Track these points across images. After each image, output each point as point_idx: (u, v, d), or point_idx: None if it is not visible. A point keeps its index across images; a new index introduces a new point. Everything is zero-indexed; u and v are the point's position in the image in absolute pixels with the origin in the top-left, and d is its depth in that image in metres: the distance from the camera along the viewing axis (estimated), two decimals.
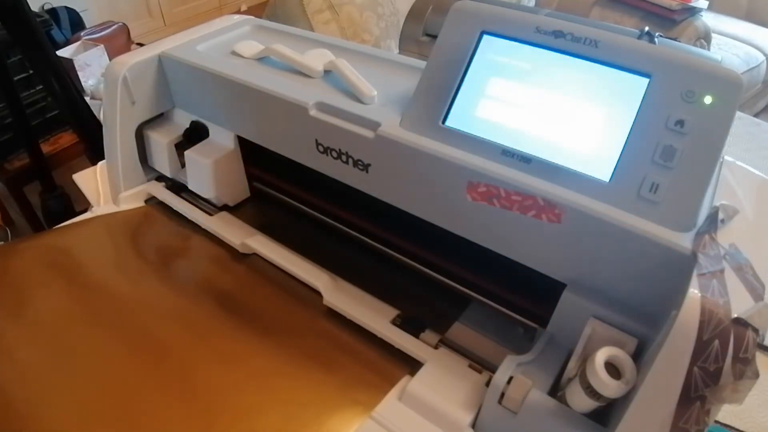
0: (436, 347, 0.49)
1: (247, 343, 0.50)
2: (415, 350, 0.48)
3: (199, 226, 0.63)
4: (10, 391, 0.46)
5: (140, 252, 0.61)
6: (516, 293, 0.49)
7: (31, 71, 1.45)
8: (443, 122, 0.45)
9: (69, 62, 1.50)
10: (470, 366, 0.47)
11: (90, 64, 1.55)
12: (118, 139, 0.63)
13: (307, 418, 0.44)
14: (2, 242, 1.38)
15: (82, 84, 1.53)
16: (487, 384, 0.44)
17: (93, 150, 1.45)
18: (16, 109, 1.30)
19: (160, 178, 0.70)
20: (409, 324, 0.50)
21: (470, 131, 0.44)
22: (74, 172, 0.75)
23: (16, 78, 1.40)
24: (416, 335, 0.49)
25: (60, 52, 1.53)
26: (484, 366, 0.47)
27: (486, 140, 0.43)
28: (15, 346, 0.49)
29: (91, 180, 0.73)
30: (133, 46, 1.80)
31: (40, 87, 1.46)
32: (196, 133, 0.65)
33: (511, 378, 0.40)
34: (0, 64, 1.29)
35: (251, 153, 0.63)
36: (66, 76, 1.24)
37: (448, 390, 0.44)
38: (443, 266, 0.53)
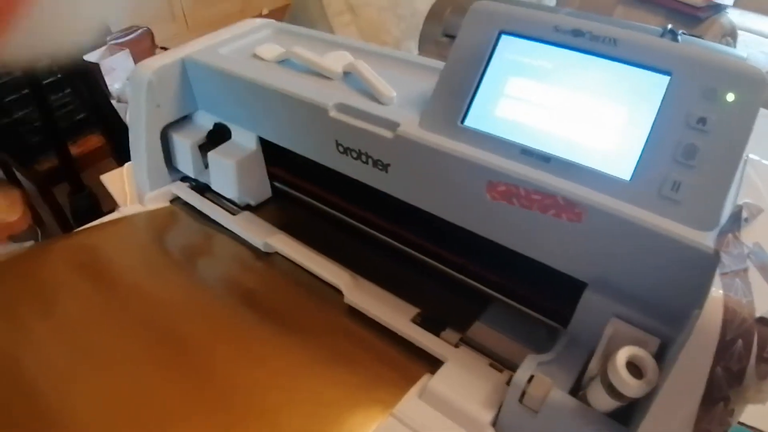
0: (456, 346, 0.49)
1: (269, 341, 0.51)
2: (436, 348, 0.48)
3: (223, 226, 0.64)
4: (36, 388, 0.47)
5: (166, 251, 0.62)
6: (537, 292, 0.49)
7: (59, 75, 1.48)
8: (462, 122, 0.45)
9: (95, 66, 1.52)
10: (491, 365, 0.47)
11: (116, 68, 1.58)
12: (143, 141, 0.64)
13: (329, 416, 0.44)
14: (33, 242, 1.41)
15: (108, 87, 1.55)
16: (508, 383, 0.43)
17: (119, 152, 1.48)
18: (46, 112, 1.33)
19: (185, 178, 0.71)
20: (430, 322, 0.51)
21: (489, 131, 0.44)
22: (101, 174, 0.77)
23: (45, 82, 1.43)
24: (437, 333, 0.49)
25: (87, 57, 1.56)
26: (504, 365, 0.47)
27: (505, 140, 0.43)
28: (43, 344, 0.51)
29: (118, 181, 0.75)
30: (158, 50, 1.83)
31: (69, 90, 1.49)
32: (218, 135, 0.66)
33: (531, 377, 0.40)
34: (30, 68, 1.32)
35: (273, 154, 0.64)
36: (93, 79, 1.27)
37: (468, 388, 0.44)
38: (464, 265, 0.53)
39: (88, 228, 0.65)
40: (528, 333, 0.50)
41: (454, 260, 0.54)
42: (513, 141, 0.43)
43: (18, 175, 1.57)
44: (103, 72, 1.55)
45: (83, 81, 1.37)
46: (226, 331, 0.52)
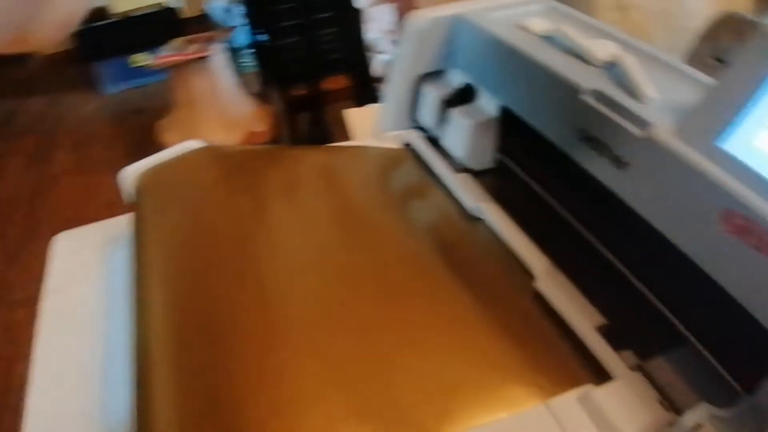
0: (632, 369, 0.46)
1: (453, 293, 0.53)
2: (610, 363, 0.46)
3: (441, 181, 0.68)
4: (256, 259, 0.56)
5: (387, 185, 0.68)
6: (734, 349, 0.45)
7: (326, 14, 1.61)
8: (719, 143, 0.42)
9: (361, 13, 1.65)
10: (659, 401, 0.44)
11: (377, 19, 1.69)
12: (398, 84, 0.70)
13: (489, 377, 0.46)
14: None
15: (367, 35, 1.67)
16: (670, 425, 0.41)
17: (360, 95, 1.60)
18: (311, 44, 1.47)
19: (421, 128, 0.75)
20: (613, 337, 0.48)
21: (744, 159, 0.40)
22: (340, 111, 0.86)
23: (316, 17, 1.57)
24: (616, 350, 0.47)
25: (356, 2, 1.68)
26: (673, 407, 0.44)
27: (758, 173, 0.39)
28: (275, 225, 0.61)
29: (359, 118, 0.83)
30: (415, 10, 1.92)
31: (331, 30, 1.63)
32: (464, 95, 0.68)
33: (698, 426, 0.38)
34: (306, 3, 1.47)
35: (508, 125, 0.65)
36: (356, 25, 1.38)
37: (629, 413, 0.43)
38: (671, 297, 0.50)
39: (330, 146, 0.75)
40: (707, 388, 0.46)
41: (660, 286, 0.51)
42: (765, 176, 0.39)
43: (273, 95, 1.78)
44: (366, 20, 1.68)
45: (349, 24, 1.49)
46: (419, 270, 0.56)
